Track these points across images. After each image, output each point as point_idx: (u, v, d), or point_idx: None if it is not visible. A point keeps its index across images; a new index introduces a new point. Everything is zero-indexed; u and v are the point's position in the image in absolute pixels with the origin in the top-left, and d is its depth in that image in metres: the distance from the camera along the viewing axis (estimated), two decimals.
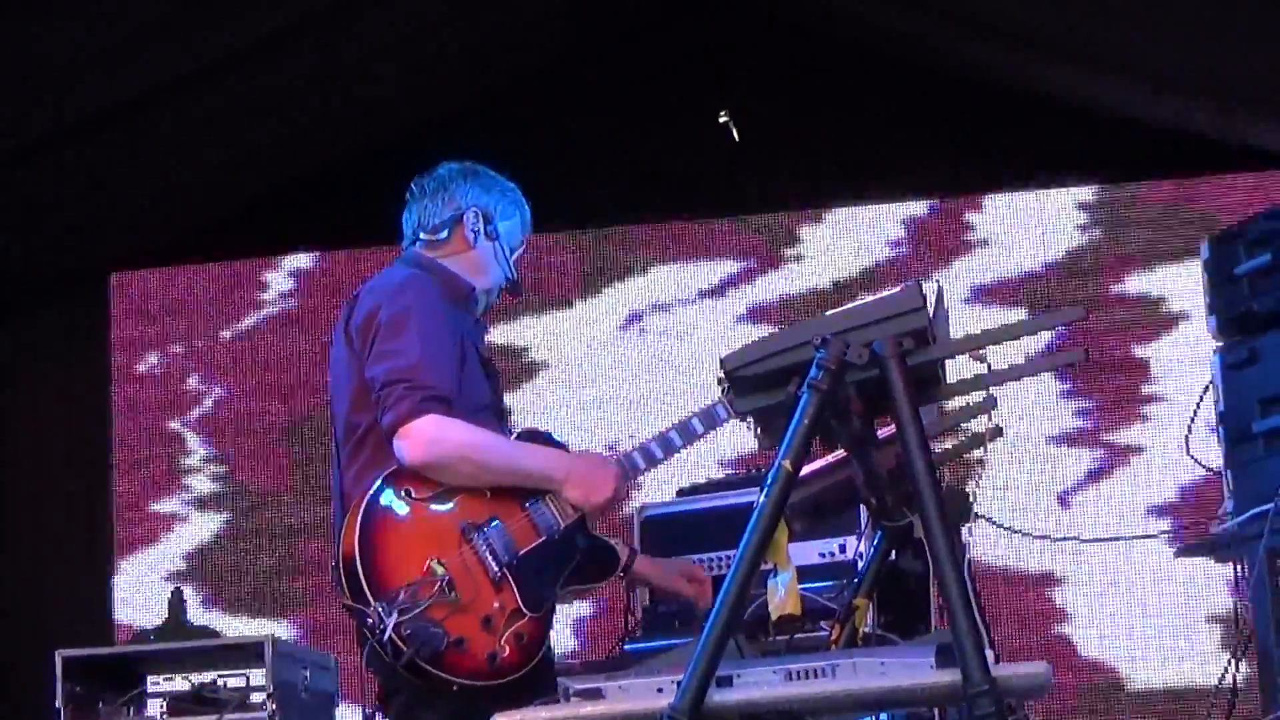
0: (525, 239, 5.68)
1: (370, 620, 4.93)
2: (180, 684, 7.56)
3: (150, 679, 7.65)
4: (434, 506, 5.13)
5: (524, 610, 5.05)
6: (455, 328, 5.33)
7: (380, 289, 5.40)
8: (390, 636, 4.89)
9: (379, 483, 5.15)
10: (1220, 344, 6.74)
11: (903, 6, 11.45)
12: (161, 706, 7.47)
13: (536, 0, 11.33)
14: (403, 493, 5.13)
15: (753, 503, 3.91)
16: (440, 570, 4.99)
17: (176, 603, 8.19)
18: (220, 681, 7.53)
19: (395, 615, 4.90)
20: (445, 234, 5.56)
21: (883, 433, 4.25)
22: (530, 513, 5.18)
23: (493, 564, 5.07)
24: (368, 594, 4.95)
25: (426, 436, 5.08)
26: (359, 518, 5.08)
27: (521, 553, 5.12)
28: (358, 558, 5.00)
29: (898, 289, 3.96)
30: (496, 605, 5.03)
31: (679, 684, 3.75)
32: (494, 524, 5.13)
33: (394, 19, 10.57)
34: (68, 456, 12.32)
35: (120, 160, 10.86)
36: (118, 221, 11.85)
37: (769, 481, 3.89)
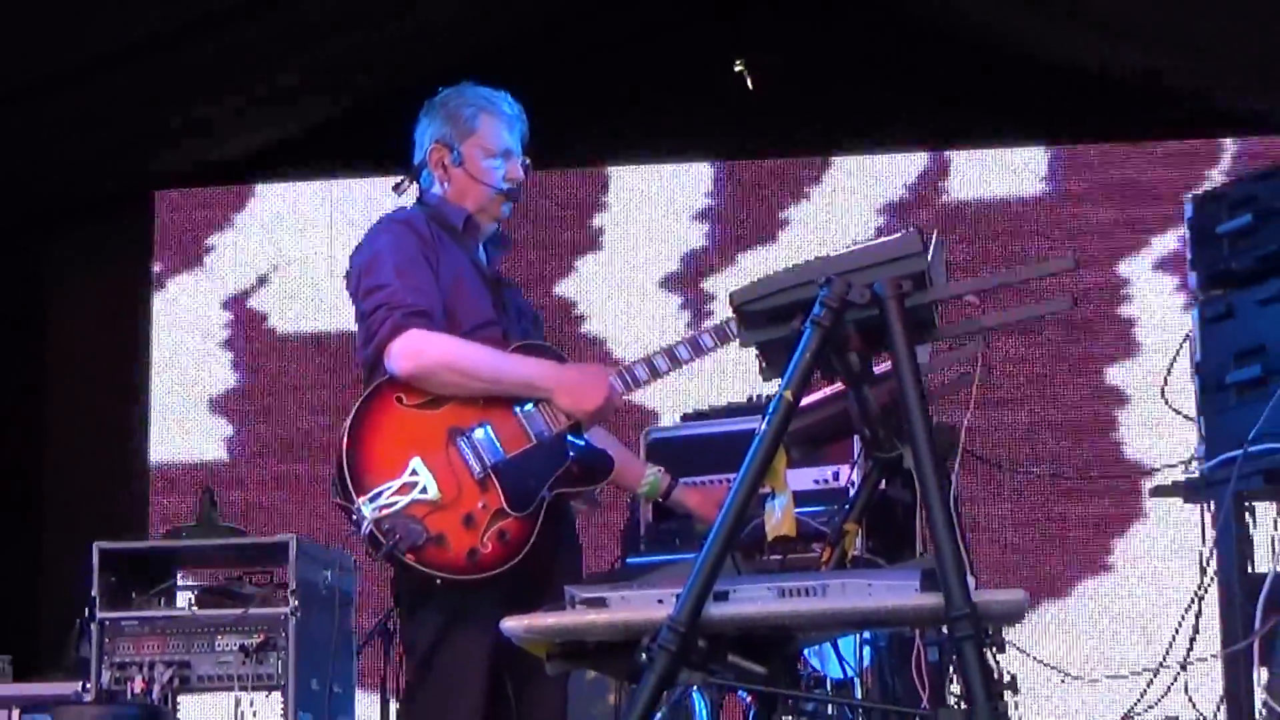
0: (510, 127, 5.60)
1: (354, 516, 5.00)
2: (210, 579, 7.58)
3: (180, 573, 7.67)
4: (423, 411, 5.15)
5: (508, 510, 5.07)
6: (438, 254, 5.35)
7: (358, 245, 5.44)
8: (370, 530, 4.97)
9: (372, 389, 5.21)
10: (1200, 298, 6.74)
11: None
12: (190, 599, 7.48)
13: None
14: (395, 399, 5.17)
15: (754, 429, 3.92)
16: (423, 470, 5.04)
17: (207, 503, 8.20)
18: (246, 578, 7.54)
19: (375, 512, 4.96)
20: (425, 175, 5.58)
21: (879, 369, 4.26)
22: (521, 418, 5.21)
23: (475, 465, 5.10)
24: (352, 491, 5.01)
25: (409, 349, 5.13)
26: (350, 421, 5.13)
27: (509, 455, 5.14)
28: (344, 457, 5.05)
29: (899, 234, 3.96)
30: (480, 504, 5.06)
31: (678, 596, 3.76)
32: (482, 428, 5.15)
33: None
34: (108, 360, 12.33)
35: (166, 86, 10.85)
36: (163, 143, 11.84)
37: (770, 410, 3.89)
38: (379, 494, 4.99)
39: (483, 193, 5.52)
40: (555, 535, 5.24)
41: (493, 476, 5.10)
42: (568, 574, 5.21)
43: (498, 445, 5.14)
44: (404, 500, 4.99)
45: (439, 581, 5.01)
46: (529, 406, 5.23)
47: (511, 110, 5.60)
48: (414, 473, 5.03)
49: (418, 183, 5.59)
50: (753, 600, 3.84)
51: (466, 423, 5.15)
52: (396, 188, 5.64)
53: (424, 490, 5.01)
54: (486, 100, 5.59)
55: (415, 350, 5.13)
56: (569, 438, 5.27)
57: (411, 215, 5.43)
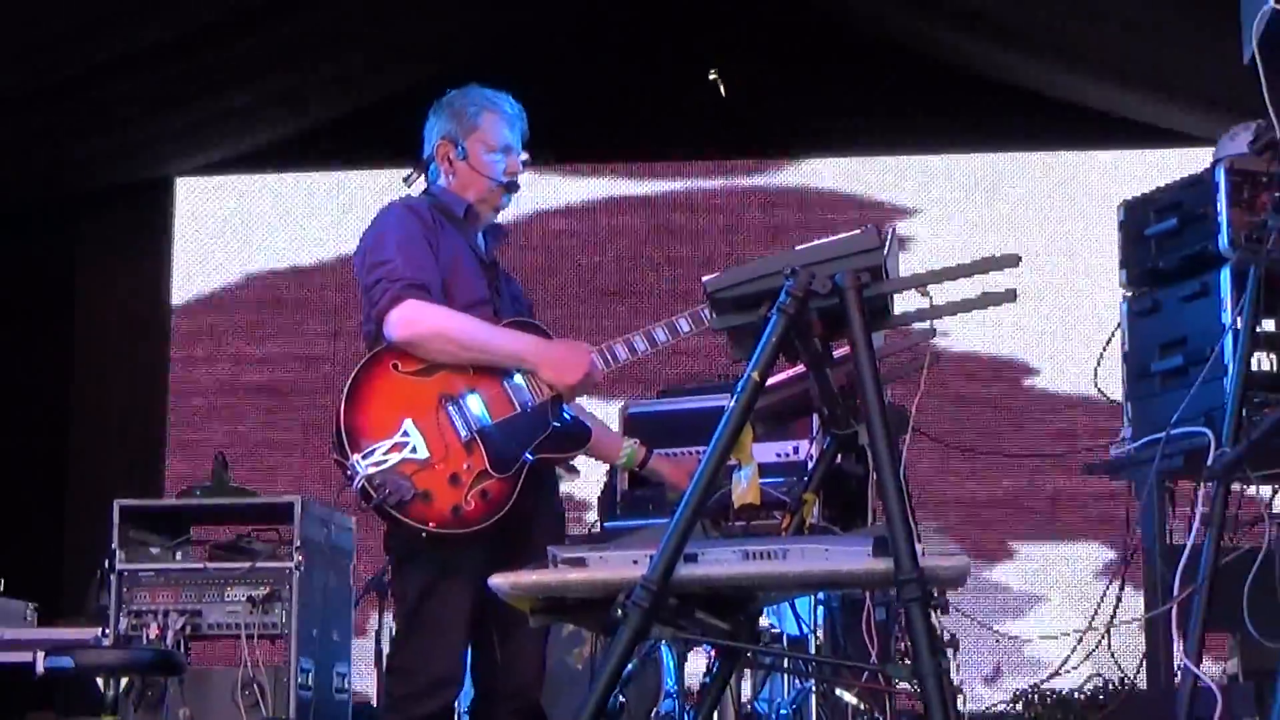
0: (511, 126, 5.59)
1: (348, 471, 5.01)
2: (221, 534, 7.59)
3: (194, 529, 7.67)
4: (417, 377, 5.16)
5: (491, 471, 5.08)
6: (438, 237, 5.35)
7: (367, 226, 5.44)
8: (361, 485, 4.98)
9: (371, 355, 5.23)
10: (1129, 294, 6.76)
11: None
12: (204, 553, 7.48)
13: None
14: (391, 365, 5.17)
15: (723, 406, 3.93)
16: (414, 431, 5.05)
17: (220, 465, 8.22)
18: (254, 535, 7.55)
19: (367, 468, 4.97)
20: (433, 168, 5.59)
21: (838, 353, 4.27)
22: (508, 388, 5.21)
23: (462, 429, 5.10)
24: (347, 448, 5.02)
25: (406, 317, 5.13)
26: (349, 383, 5.15)
27: (495, 421, 5.15)
28: (342, 416, 5.07)
29: (858, 231, 3.96)
30: (465, 465, 5.06)
31: (651, 558, 3.76)
32: (471, 394, 5.16)
33: None
34: (131, 333, 12.34)
35: (192, 82, 10.84)
36: (188, 135, 11.84)
37: (739, 389, 3.89)
38: (372, 451, 5.00)
39: (484, 184, 5.52)
40: (535, 497, 5.25)
41: (478, 440, 5.11)
42: (548, 535, 5.22)
43: (484, 411, 5.15)
44: (395, 458, 5.00)
45: (425, 535, 5.01)
46: (516, 378, 5.23)
47: (512, 110, 5.61)
48: (405, 434, 5.04)
49: (426, 175, 5.60)
50: (719, 562, 3.84)
51: (456, 389, 5.16)
52: (407, 179, 5.67)
53: (414, 450, 5.03)
54: (489, 100, 5.60)
55: (411, 319, 5.14)
56: (551, 408, 5.28)
57: (416, 202, 5.45)
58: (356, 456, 5.00)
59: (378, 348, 5.22)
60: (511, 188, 5.60)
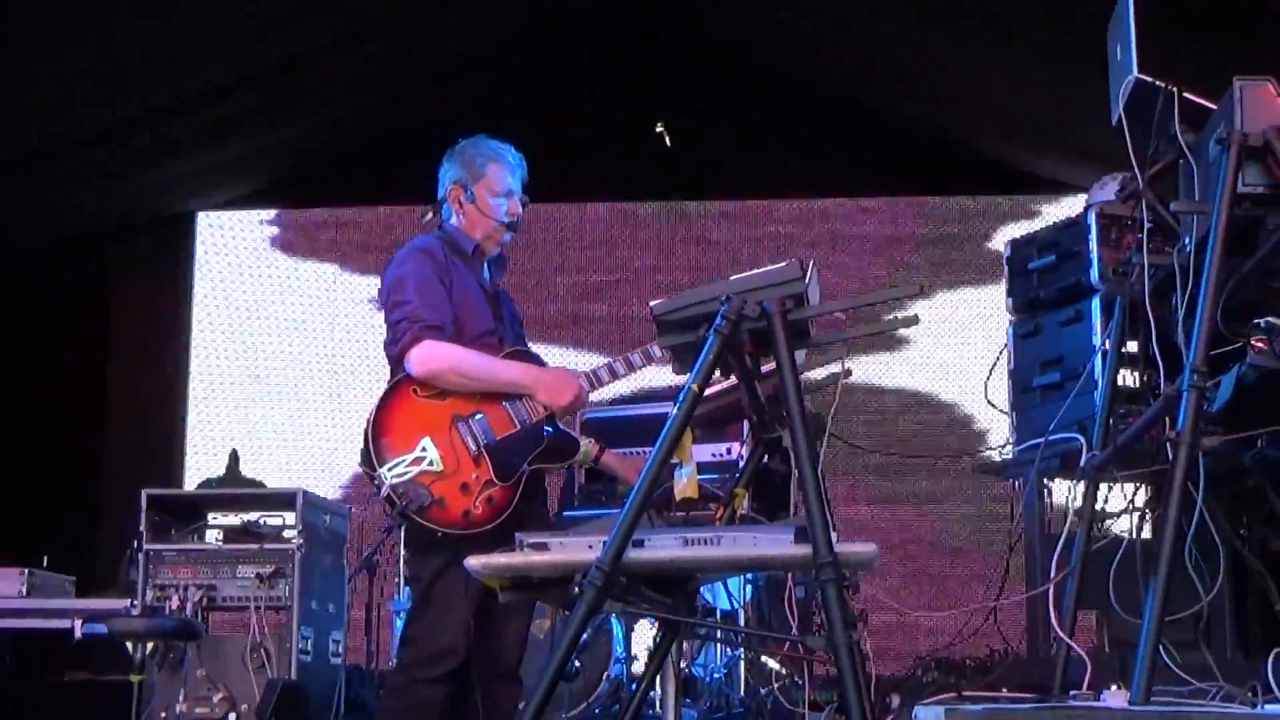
0: (513, 174, 5.59)
1: (375, 481, 5.05)
2: (233, 520, 7.57)
3: (210, 515, 7.65)
4: (433, 401, 5.18)
5: (496, 480, 5.12)
6: (451, 276, 5.36)
7: (390, 264, 5.45)
8: (387, 493, 5.02)
9: (394, 383, 5.24)
10: (1014, 319, 6.78)
11: (805, 49, 11.46)
12: (218, 535, 7.47)
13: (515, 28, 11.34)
14: (411, 391, 5.20)
15: (667, 413, 3.93)
16: (430, 447, 5.09)
17: (233, 460, 8.29)
18: (262, 520, 7.53)
19: (391, 479, 5.01)
20: (446, 209, 5.59)
21: (765, 368, 4.28)
22: (509, 409, 5.23)
23: (472, 444, 5.13)
24: (374, 461, 5.06)
25: (424, 355, 5.15)
26: (375, 406, 5.18)
27: (499, 438, 5.18)
28: (370, 434, 5.10)
29: (784, 264, 3.97)
30: (474, 475, 5.10)
31: (605, 543, 3.76)
32: (478, 416, 5.18)
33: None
34: (157, 346, 12.36)
35: (209, 130, 10.83)
36: (207, 176, 11.83)
37: (680, 398, 3.91)
38: (396, 465, 5.05)
39: (489, 225, 5.54)
40: (529, 501, 5.28)
41: (485, 453, 5.15)
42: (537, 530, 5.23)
43: (490, 430, 5.19)
44: (415, 470, 5.05)
45: (440, 534, 5.07)
46: (515, 400, 5.26)
47: (514, 159, 5.62)
48: (423, 449, 5.09)
49: (439, 213, 5.62)
50: (663, 547, 3.84)
51: (466, 411, 5.19)
52: (423, 218, 5.70)
53: (430, 463, 5.07)
54: (495, 151, 5.61)
55: (428, 356, 5.17)
56: (545, 425, 5.31)
57: (431, 244, 5.44)
58: (383, 470, 5.04)
59: (399, 376, 5.24)
60: (513, 227, 5.62)
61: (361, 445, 5.12)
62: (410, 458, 5.06)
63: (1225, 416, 4.56)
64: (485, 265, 5.60)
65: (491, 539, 5.00)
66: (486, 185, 5.55)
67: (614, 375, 5.42)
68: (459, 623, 5.18)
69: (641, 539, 3.82)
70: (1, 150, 9.51)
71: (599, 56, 12.02)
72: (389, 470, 5.04)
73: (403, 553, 7.91)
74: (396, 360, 5.26)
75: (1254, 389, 4.54)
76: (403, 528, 5.26)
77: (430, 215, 5.68)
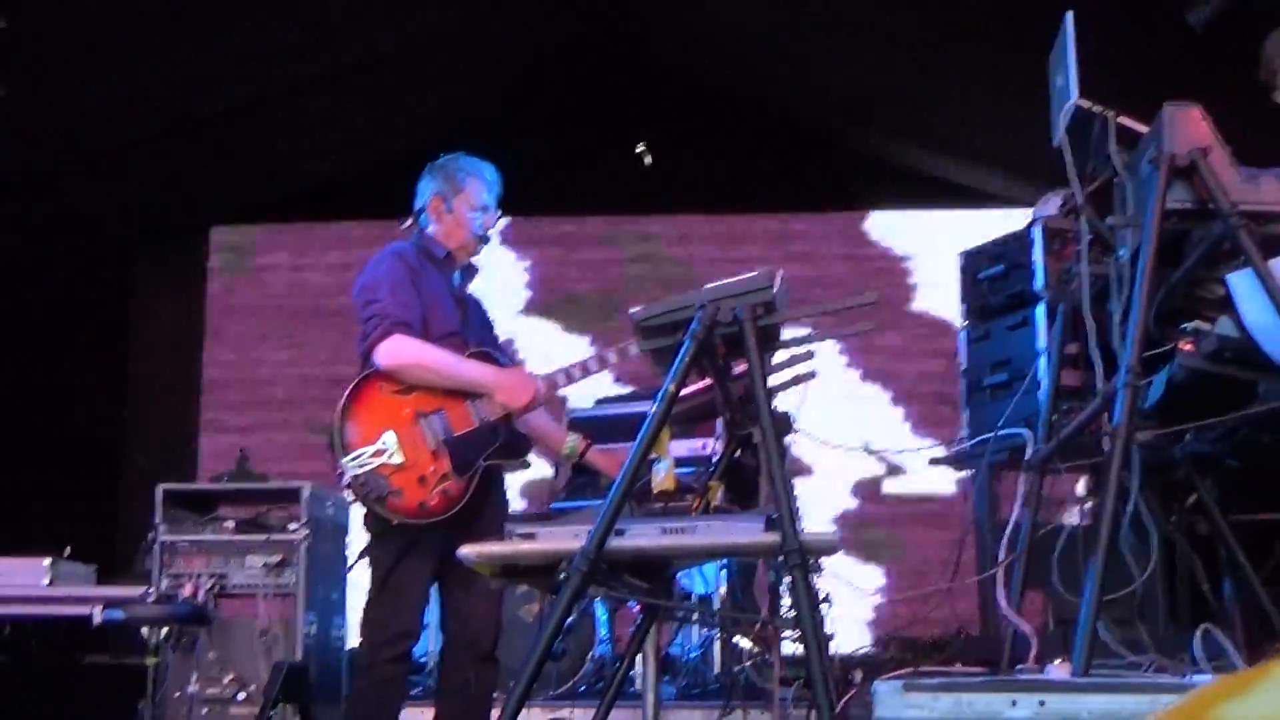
0: (490, 190, 5.61)
1: (339, 470, 5.06)
2: (243, 513, 7.57)
3: (223, 508, 7.65)
4: (398, 396, 5.18)
5: (452, 474, 5.12)
6: (421, 278, 5.36)
7: (366, 265, 5.46)
8: (348, 482, 5.04)
9: (362, 377, 5.22)
10: (967, 324, 6.83)
11: (758, 80, 11.49)
12: (230, 527, 7.46)
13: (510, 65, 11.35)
14: (378, 385, 5.19)
15: (647, 411, 3.96)
16: (392, 440, 5.09)
17: (243, 457, 8.28)
18: (270, 512, 7.53)
19: (354, 468, 5.02)
20: (424, 218, 5.59)
21: (737, 370, 4.30)
22: (469, 407, 5.23)
23: (431, 440, 5.13)
24: (339, 451, 5.06)
25: (391, 350, 5.15)
26: (344, 398, 5.17)
27: (457, 434, 5.18)
28: (336, 424, 5.10)
29: (754, 274, 4.00)
30: (431, 469, 5.10)
31: (589, 532, 3.79)
32: (439, 413, 5.18)
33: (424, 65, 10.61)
34: (173, 350, 12.36)
35: (221, 151, 10.84)
36: (219, 191, 11.85)
37: (659, 398, 3.93)
38: (358, 455, 5.04)
39: (465, 235, 5.54)
40: (485, 494, 5.27)
41: (443, 448, 5.14)
42: (494, 520, 5.27)
43: (449, 426, 5.18)
44: (376, 462, 5.05)
45: (396, 523, 5.07)
46: (475, 399, 5.25)
47: (491, 177, 5.63)
48: (384, 442, 5.08)
49: (417, 221, 5.62)
50: (643, 536, 3.86)
51: (428, 408, 5.18)
52: (401, 224, 5.70)
53: (391, 455, 5.07)
54: (474, 168, 5.61)
55: (396, 350, 5.15)
56: (502, 424, 5.31)
57: (404, 248, 5.44)
58: (346, 459, 5.04)
59: (367, 370, 5.22)
60: (485, 239, 5.63)
61: (329, 435, 5.12)
62: (372, 449, 5.06)
63: (1157, 412, 4.60)
64: (457, 272, 5.60)
65: (446, 529, 5.08)
66: (465, 199, 5.56)
67: (570, 379, 5.43)
68: (415, 606, 5.22)
69: (623, 528, 3.84)
70: (40, 166, 9.51)
71: (582, 89, 12.06)
72: (352, 460, 5.04)
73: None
74: (366, 353, 5.24)
75: (1182, 387, 4.59)
76: (364, 516, 5.24)
77: (409, 223, 5.68)
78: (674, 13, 11.15)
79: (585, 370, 5.46)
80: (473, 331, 5.53)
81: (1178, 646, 4.75)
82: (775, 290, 3.99)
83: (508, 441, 5.33)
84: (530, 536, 3.98)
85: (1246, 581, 5.33)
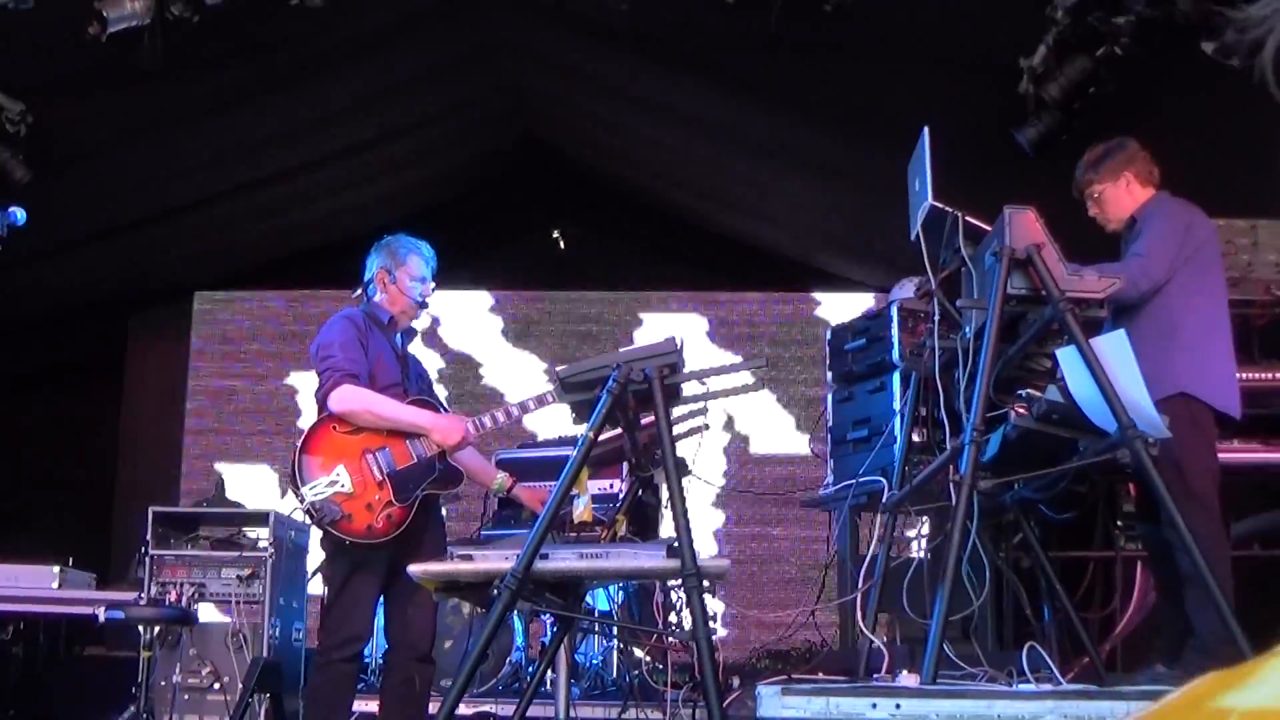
0: (428, 264, 5.60)
1: (298, 497, 5.04)
2: (220, 532, 7.47)
3: (203, 528, 7.55)
4: (348, 436, 5.17)
5: (395, 501, 5.11)
6: (368, 338, 5.36)
7: (322, 328, 5.46)
8: (307, 508, 5.04)
9: (319, 419, 5.23)
10: (833, 387, 6.83)
11: (665, 184, 11.52)
12: (208, 544, 7.37)
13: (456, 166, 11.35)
14: (331, 427, 5.18)
15: (567, 455, 3.92)
16: (343, 473, 5.08)
17: (219, 485, 8.26)
18: (241, 533, 7.44)
19: (311, 496, 5.01)
20: (372, 288, 5.57)
21: (645, 421, 4.27)
22: (409, 446, 5.22)
23: (377, 472, 5.12)
24: (298, 481, 5.05)
25: (342, 397, 5.15)
26: (303, 437, 5.18)
27: (399, 468, 5.16)
28: (296, 460, 5.10)
29: (663, 340, 3.98)
30: (378, 497, 5.09)
31: (518, 555, 3.74)
32: (384, 450, 5.18)
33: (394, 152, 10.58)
34: (161, 394, 12.25)
35: (204, 227, 10.74)
36: (204, 260, 11.75)
37: (580, 443, 3.89)
38: (315, 485, 5.04)
39: (406, 302, 5.53)
40: (425, 518, 5.26)
41: (388, 480, 5.14)
42: (434, 541, 5.32)
43: (393, 461, 5.18)
44: (330, 491, 5.04)
45: (348, 543, 5.06)
46: (415, 439, 5.24)
47: (428, 253, 5.63)
48: (337, 474, 5.08)
49: (365, 291, 5.58)
50: (564, 559, 3.82)
51: (374, 445, 5.18)
52: (353, 294, 5.66)
53: (342, 486, 5.07)
54: (414, 246, 5.61)
55: (347, 398, 5.16)
56: (438, 459, 5.27)
57: (354, 314, 5.46)
58: (305, 489, 5.03)
59: (323, 415, 5.22)
60: (423, 305, 5.61)
61: (289, 468, 5.13)
62: (327, 480, 5.05)
63: (992, 465, 4.61)
64: (398, 334, 5.58)
65: (391, 548, 5.11)
66: (407, 271, 5.55)
67: (495, 422, 5.42)
68: (365, 614, 5.22)
69: (547, 553, 3.81)
70: (56, 238, 9.40)
71: (510, 186, 12.10)
72: (309, 489, 5.03)
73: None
74: (322, 401, 5.24)
75: (1015, 444, 4.61)
76: (320, 537, 5.21)
77: (359, 292, 5.66)
78: (585, 130, 11.18)
79: (508, 415, 5.45)
80: (412, 383, 5.52)
81: (1005, 660, 4.76)
82: (679, 353, 3.98)
83: (443, 474, 5.30)
84: (468, 558, 3.94)
85: (1062, 606, 5.36)
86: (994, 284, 4.43)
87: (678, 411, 4.43)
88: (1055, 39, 6.56)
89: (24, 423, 11.90)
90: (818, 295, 11.82)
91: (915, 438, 5.55)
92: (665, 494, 4.26)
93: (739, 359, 10.56)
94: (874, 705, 3.70)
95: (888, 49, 7.33)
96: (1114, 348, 4.35)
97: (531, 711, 4.77)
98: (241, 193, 10.27)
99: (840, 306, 11.44)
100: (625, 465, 6.03)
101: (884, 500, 5.50)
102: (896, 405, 6.13)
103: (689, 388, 4.23)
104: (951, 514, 4.19)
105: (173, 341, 12.27)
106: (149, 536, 7.21)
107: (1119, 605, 6.30)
